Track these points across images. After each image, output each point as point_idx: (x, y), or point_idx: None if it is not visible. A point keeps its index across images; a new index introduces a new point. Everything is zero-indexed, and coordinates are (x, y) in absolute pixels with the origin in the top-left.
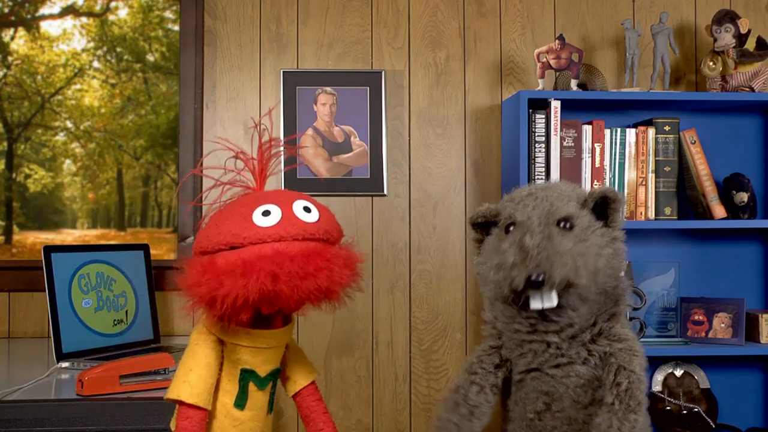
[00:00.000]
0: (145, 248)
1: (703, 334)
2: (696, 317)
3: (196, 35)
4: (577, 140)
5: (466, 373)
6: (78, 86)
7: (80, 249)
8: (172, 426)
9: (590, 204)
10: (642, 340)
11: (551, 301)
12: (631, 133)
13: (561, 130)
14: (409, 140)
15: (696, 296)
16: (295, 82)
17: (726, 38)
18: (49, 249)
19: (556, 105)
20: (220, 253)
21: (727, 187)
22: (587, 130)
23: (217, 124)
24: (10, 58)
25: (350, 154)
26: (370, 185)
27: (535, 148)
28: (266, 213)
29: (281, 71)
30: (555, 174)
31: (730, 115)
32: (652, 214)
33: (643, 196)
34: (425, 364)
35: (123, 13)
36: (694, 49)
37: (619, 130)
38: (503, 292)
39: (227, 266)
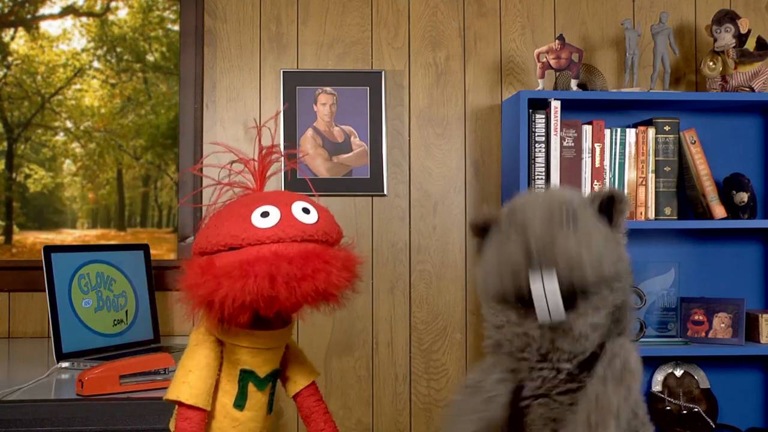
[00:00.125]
0: (145, 248)
1: (703, 334)
2: (696, 317)
3: (196, 35)
4: (577, 140)
5: (481, 371)
6: (78, 86)
7: (80, 249)
8: (172, 426)
9: (596, 203)
10: (642, 340)
11: (557, 305)
12: (631, 133)
13: (561, 130)
14: (409, 140)
15: (696, 296)
16: (295, 82)
17: (726, 38)
18: (49, 249)
19: (556, 105)
20: (218, 254)
21: (727, 187)
22: (587, 130)
23: (217, 124)
24: (10, 58)
25: (350, 154)
26: (370, 185)
27: (535, 148)
28: (265, 214)
29: (281, 71)
30: (555, 174)
31: (730, 115)
32: (652, 214)
33: (643, 196)
34: (425, 364)
35: (123, 13)
36: (694, 49)
37: (619, 130)
38: (506, 288)
39: (225, 268)
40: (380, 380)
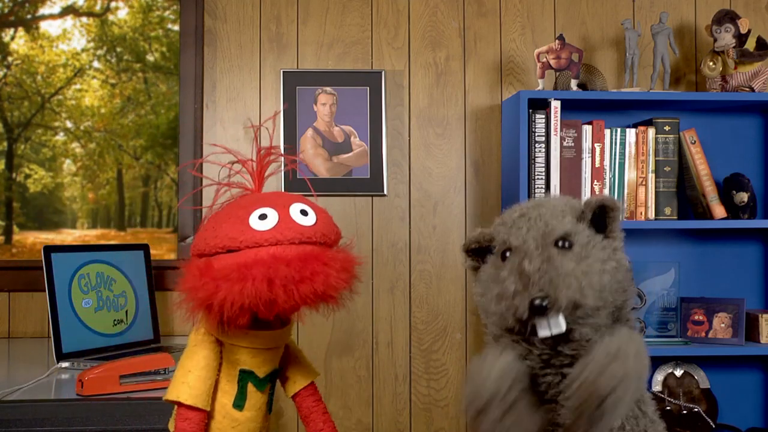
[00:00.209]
0: (145, 248)
1: (703, 334)
2: (696, 317)
3: (196, 35)
4: (577, 140)
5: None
6: (78, 86)
7: (80, 249)
8: (171, 427)
9: (588, 215)
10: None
11: (559, 326)
12: (631, 133)
13: (561, 130)
14: (409, 140)
15: (696, 296)
16: (295, 82)
17: (726, 38)
18: (49, 249)
19: (556, 105)
20: (216, 257)
21: (727, 187)
22: (587, 130)
23: (217, 124)
24: (10, 58)
25: (350, 154)
26: (370, 185)
27: (535, 148)
28: (263, 216)
29: (281, 71)
30: (555, 174)
31: (730, 115)
32: (652, 214)
33: (643, 196)
34: (425, 364)
35: (123, 13)
36: (694, 49)
37: (619, 130)
38: (508, 323)
39: (224, 270)
40: (380, 380)
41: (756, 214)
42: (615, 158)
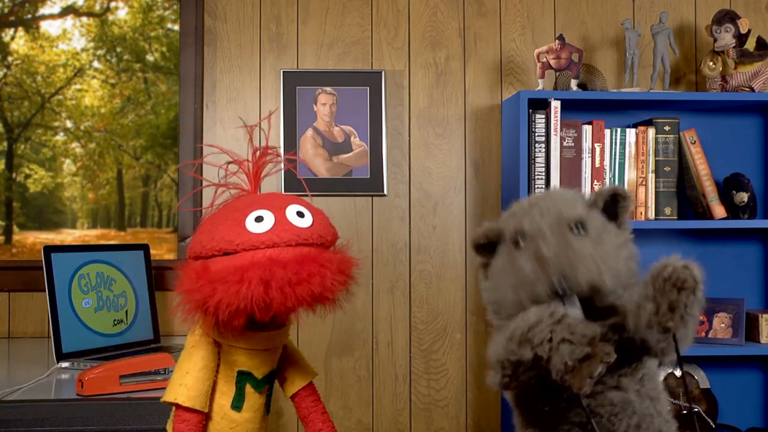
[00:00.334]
0: (145, 248)
1: (703, 334)
2: None
3: (196, 35)
4: (577, 140)
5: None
6: (78, 86)
7: (80, 249)
8: (169, 428)
9: (600, 203)
10: None
11: (576, 310)
12: (631, 133)
13: (561, 130)
14: (409, 140)
15: None
16: (295, 82)
17: (726, 38)
18: (49, 249)
19: (556, 105)
20: (213, 259)
21: (727, 187)
22: (587, 130)
23: (217, 124)
24: (10, 58)
25: (350, 154)
26: (370, 185)
27: (535, 148)
28: (259, 219)
29: (281, 71)
30: (555, 174)
31: (730, 115)
32: (652, 214)
33: (643, 196)
34: (425, 364)
35: (123, 13)
36: (694, 49)
37: (619, 130)
38: (526, 309)
39: (220, 273)
40: (380, 380)
41: (756, 214)
42: (615, 158)
